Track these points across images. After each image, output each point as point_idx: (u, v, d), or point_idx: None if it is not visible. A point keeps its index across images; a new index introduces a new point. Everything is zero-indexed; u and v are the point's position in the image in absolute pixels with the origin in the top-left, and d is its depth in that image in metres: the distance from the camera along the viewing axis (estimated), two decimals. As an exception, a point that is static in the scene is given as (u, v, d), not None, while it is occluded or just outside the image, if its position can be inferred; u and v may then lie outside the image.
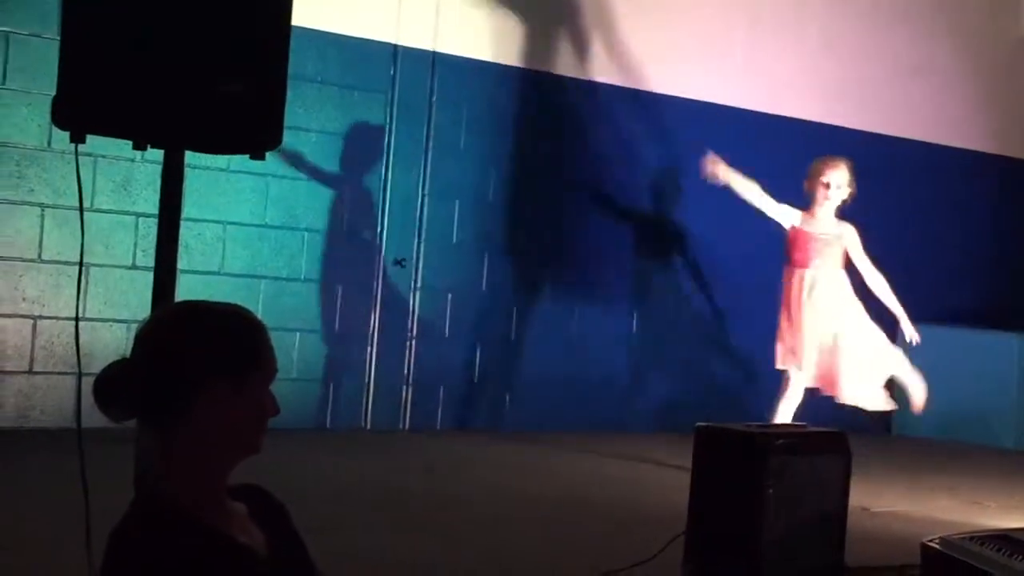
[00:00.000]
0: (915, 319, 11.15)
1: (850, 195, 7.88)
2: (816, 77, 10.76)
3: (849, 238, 7.96)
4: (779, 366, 7.90)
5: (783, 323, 7.89)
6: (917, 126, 11.35)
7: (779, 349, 7.88)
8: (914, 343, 8.17)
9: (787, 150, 10.24)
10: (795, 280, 7.86)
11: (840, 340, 7.81)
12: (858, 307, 7.92)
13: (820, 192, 7.86)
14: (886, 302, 8.11)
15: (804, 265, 7.87)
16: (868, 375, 7.88)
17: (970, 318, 11.17)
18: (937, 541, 5.20)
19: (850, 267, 8.01)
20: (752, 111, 10.26)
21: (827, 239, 7.89)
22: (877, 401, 7.97)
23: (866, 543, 5.72)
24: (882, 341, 7.95)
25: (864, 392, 7.89)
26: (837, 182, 7.84)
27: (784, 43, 10.59)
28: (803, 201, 7.95)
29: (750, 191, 7.91)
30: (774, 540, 4.84)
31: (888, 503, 7.22)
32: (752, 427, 5.17)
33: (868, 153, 11.02)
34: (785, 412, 7.74)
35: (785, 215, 7.90)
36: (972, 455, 9.82)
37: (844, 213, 7.96)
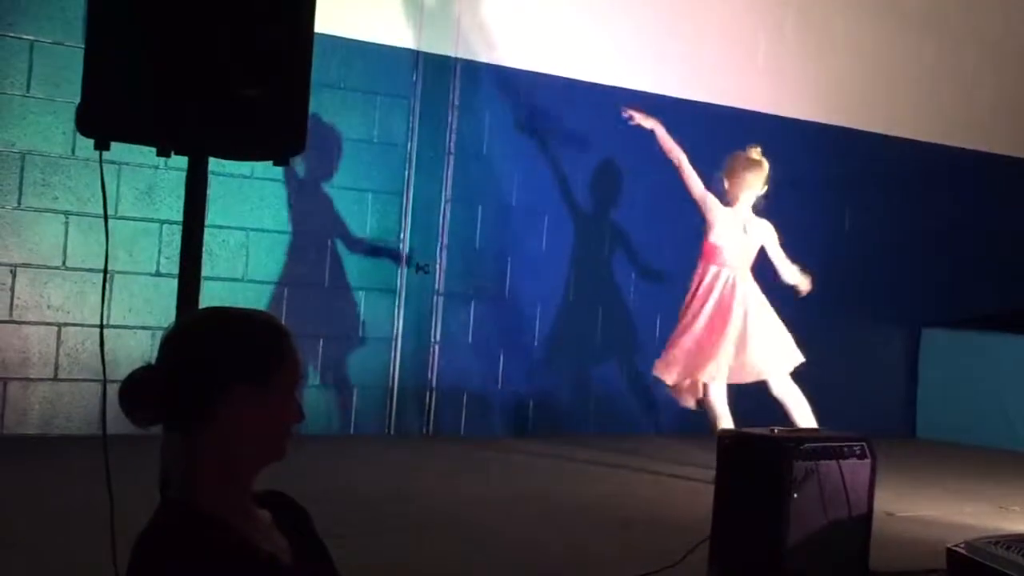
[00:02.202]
0: (938, 324, 11.17)
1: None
2: (840, 82, 10.74)
3: (767, 235, 7.81)
4: (704, 380, 7.63)
5: (697, 327, 7.63)
6: (941, 130, 11.31)
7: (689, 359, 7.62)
8: (803, 291, 7.88)
9: (813, 155, 10.24)
10: (717, 280, 7.66)
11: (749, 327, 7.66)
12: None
13: (746, 193, 7.71)
14: (790, 281, 7.88)
15: (724, 264, 7.70)
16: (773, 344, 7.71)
17: (993, 322, 11.14)
18: (963, 546, 5.19)
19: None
20: (775, 116, 10.23)
21: (749, 237, 7.75)
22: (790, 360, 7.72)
23: (891, 548, 5.71)
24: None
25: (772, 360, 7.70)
26: (764, 185, 7.73)
27: (808, 48, 10.57)
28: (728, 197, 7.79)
29: (677, 154, 7.74)
30: (798, 545, 4.83)
31: (913, 507, 7.20)
32: (776, 432, 5.16)
33: (892, 157, 11.01)
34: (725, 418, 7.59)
35: (707, 201, 7.69)
36: (997, 459, 9.78)
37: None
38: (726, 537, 4.96)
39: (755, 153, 7.78)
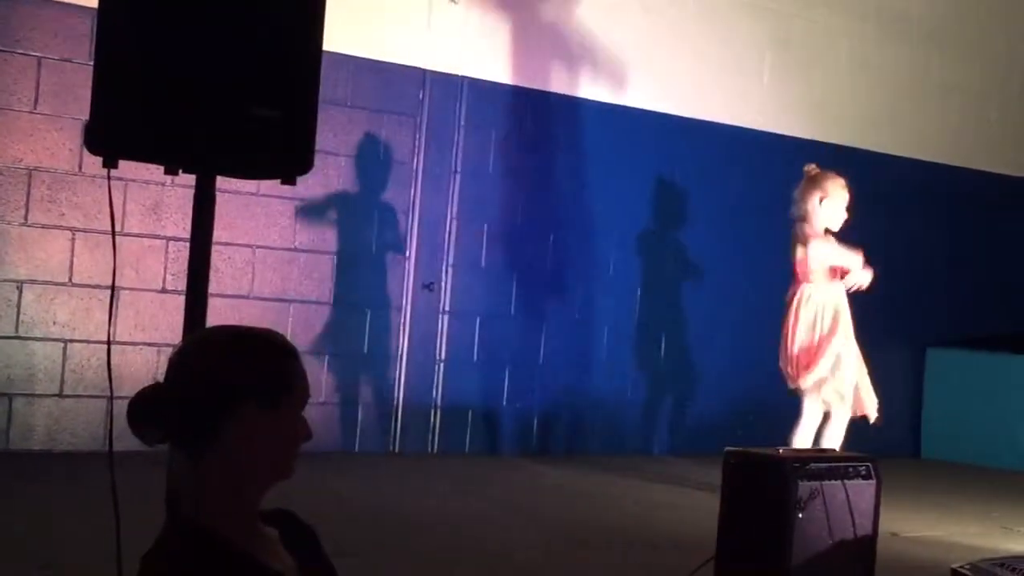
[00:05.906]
0: (943, 344, 11.16)
1: None
2: (845, 101, 10.75)
3: None
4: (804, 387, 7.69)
5: (813, 343, 7.59)
6: (947, 150, 11.32)
7: (803, 370, 7.59)
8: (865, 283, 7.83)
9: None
10: (831, 298, 7.67)
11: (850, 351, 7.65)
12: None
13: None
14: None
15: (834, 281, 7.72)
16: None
17: (999, 342, 11.13)
18: (967, 567, 5.19)
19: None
20: (780, 135, 10.24)
21: None
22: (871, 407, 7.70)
23: (896, 568, 5.70)
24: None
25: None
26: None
27: (813, 66, 10.58)
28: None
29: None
30: (803, 566, 4.83)
31: (917, 528, 7.19)
32: (781, 452, 5.16)
33: (897, 177, 11.01)
34: (804, 437, 7.59)
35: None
36: (1002, 479, 9.77)
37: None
38: (731, 557, 4.95)
39: (816, 168, 7.85)
